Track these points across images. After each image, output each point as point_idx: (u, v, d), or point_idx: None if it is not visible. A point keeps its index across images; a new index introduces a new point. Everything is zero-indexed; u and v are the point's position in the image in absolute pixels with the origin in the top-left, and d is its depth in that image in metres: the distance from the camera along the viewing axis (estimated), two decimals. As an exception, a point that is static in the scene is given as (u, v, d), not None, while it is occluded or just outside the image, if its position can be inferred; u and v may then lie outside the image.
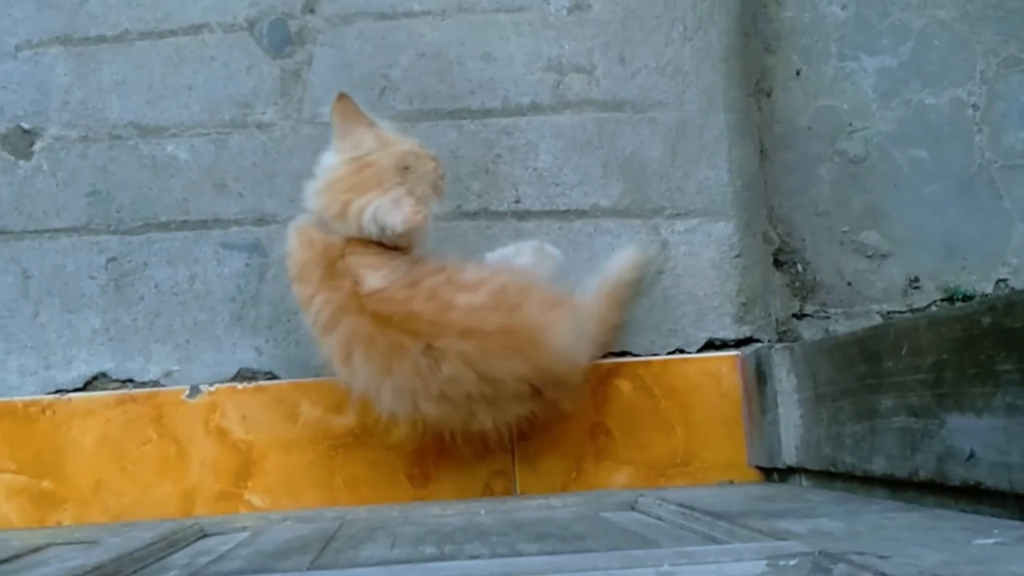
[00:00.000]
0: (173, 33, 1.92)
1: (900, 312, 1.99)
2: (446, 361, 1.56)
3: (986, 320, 1.09)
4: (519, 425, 1.71)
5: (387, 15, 1.92)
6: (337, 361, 1.61)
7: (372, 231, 1.58)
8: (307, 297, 1.62)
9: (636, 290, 1.87)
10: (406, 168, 1.62)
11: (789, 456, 1.64)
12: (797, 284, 2.00)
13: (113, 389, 1.85)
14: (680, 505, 1.41)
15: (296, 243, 1.66)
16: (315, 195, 1.64)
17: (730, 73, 1.94)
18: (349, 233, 1.60)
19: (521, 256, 1.79)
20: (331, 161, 1.65)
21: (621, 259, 1.85)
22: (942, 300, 1.98)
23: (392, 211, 1.55)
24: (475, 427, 1.64)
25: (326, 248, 1.61)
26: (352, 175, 1.61)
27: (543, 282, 1.70)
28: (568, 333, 1.65)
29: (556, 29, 1.93)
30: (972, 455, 1.13)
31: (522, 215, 1.90)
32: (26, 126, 1.90)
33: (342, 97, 1.65)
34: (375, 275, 1.59)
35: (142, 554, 1.29)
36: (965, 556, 0.92)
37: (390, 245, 1.61)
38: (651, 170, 1.91)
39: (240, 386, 1.84)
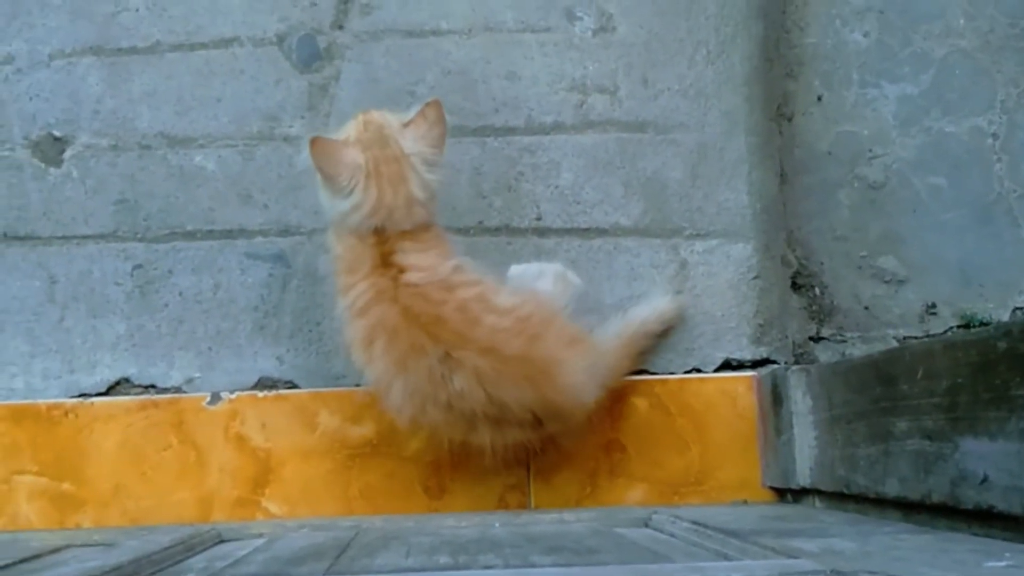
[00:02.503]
0: (204, 46, 1.95)
1: (916, 337, 1.99)
2: (460, 373, 1.58)
3: (1002, 345, 1.10)
4: (516, 451, 1.73)
5: (414, 33, 1.95)
6: (358, 345, 1.63)
7: (430, 183, 1.64)
8: (350, 284, 1.64)
9: (656, 342, 1.87)
10: (384, 139, 1.64)
11: (803, 477, 1.64)
12: (814, 307, 2.01)
13: (135, 394, 1.87)
14: (693, 522, 1.41)
15: (343, 247, 1.67)
16: (365, 219, 1.63)
17: (752, 97, 1.96)
18: (414, 220, 1.64)
19: (543, 280, 1.80)
20: (352, 200, 1.63)
21: (649, 308, 1.86)
22: (958, 326, 1.97)
23: (424, 146, 1.63)
24: (474, 442, 1.66)
25: (379, 242, 1.63)
26: (377, 187, 1.63)
27: (565, 317, 1.72)
28: (580, 372, 1.67)
29: (580, 50, 1.95)
30: (985, 479, 1.13)
31: (543, 232, 1.91)
32: (57, 134, 1.93)
33: (315, 141, 1.62)
34: (418, 274, 1.62)
35: (159, 557, 1.30)
36: (976, 578, 0.92)
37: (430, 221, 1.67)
38: (671, 191, 1.92)
39: (260, 394, 1.86)
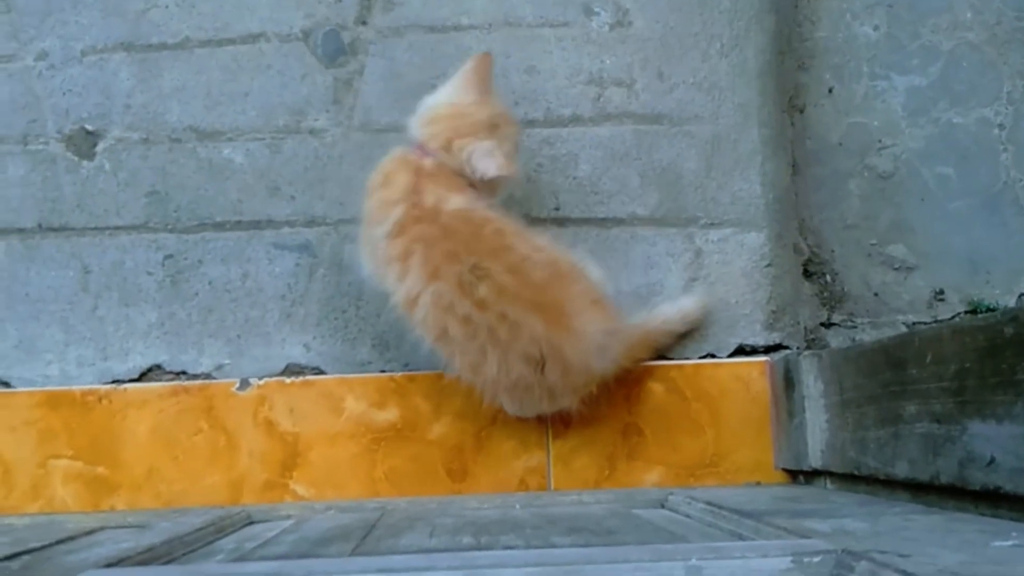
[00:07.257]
0: (231, 42, 1.98)
1: (925, 323, 2.02)
2: (485, 283, 1.63)
3: (1008, 330, 1.12)
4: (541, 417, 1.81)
5: (436, 28, 1.98)
6: (394, 259, 1.68)
7: (467, 169, 1.70)
8: (390, 201, 1.69)
9: (674, 341, 1.91)
10: (495, 126, 1.73)
11: (815, 459, 1.67)
12: (825, 294, 2.04)
13: (167, 381, 1.91)
14: (708, 504, 1.44)
15: (386, 171, 1.74)
16: (422, 125, 1.74)
17: (764, 89, 1.99)
18: (451, 164, 1.71)
19: None
20: (435, 100, 1.77)
21: (674, 308, 1.89)
22: (966, 312, 2.00)
23: (484, 158, 1.68)
24: (484, 374, 1.68)
25: (418, 167, 1.70)
26: (452, 118, 1.73)
27: (594, 282, 1.78)
28: (595, 330, 1.69)
29: (598, 44, 1.98)
30: (992, 460, 1.16)
31: (561, 222, 1.95)
32: (90, 128, 1.97)
33: (484, 57, 1.77)
34: (458, 197, 1.69)
35: (191, 538, 1.34)
36: (983, 557, 0.95)
37: (479, 186, 1.72)
38: (687, 181, 1.96)
39: (288, 380, 1.89)
